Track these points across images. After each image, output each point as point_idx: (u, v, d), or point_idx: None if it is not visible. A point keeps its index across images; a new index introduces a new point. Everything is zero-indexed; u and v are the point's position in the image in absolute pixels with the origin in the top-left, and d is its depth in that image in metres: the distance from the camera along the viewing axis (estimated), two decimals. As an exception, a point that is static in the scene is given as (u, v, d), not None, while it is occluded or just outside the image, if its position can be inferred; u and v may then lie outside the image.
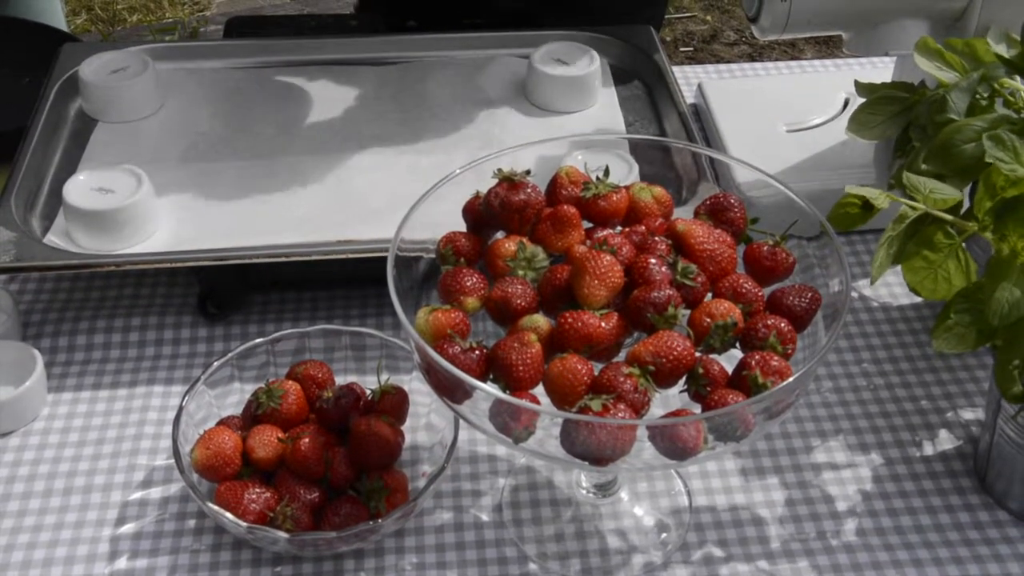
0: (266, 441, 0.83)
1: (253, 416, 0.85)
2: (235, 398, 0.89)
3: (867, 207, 0.82)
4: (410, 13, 1.34)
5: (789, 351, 0.74)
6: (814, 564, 0.83)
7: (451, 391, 0.72)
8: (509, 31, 1.23)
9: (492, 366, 0.72)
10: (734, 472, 0.89)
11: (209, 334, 1.00)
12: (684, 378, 0.73)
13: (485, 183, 0.81)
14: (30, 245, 0.95)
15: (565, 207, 0.79)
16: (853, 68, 1.33)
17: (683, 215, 0.82)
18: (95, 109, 1.13)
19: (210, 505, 0.79)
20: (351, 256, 0.96)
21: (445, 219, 0.81)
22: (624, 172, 0.99)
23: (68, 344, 0.98)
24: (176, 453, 0.81)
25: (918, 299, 1.03)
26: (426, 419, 0.89)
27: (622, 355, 0.74)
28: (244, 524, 0.78)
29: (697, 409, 0.72)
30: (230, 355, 0.88)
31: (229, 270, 0.97)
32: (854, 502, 0.87)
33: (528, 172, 0.80)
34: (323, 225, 1.00)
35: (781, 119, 1.18)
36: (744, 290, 0.76)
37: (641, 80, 1.20)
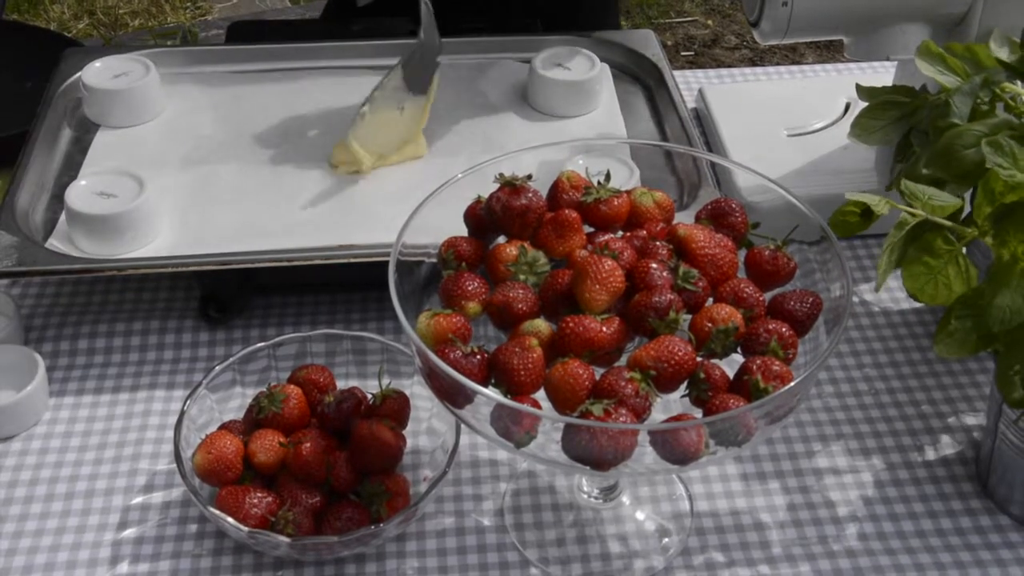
0: (267, 445, 0.83)
1: (254, 420, 0.85)
2: (236, 402, 0.89)
3: (867, 214, 0.82)
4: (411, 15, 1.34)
5: (790, 356, 0.74)
6: (816, 569, 0.83)
7: (452, 396, 0.72)
8: (510, 35, 1.24)
9: (493, 371, 0.72)
10: (735, 476, 0.89)
11: (210, 338, 1.00)
12: (685, 383, 0.73)
13: (487, 187, 0.81)
14: (32, 249, 0.95)
15: (566, 211, 0.79)
16: (854, 72, 1.33)
17: (684, 220, 0.82)
18: (97, 114, 1.13)
19: (211, 510, 0.79)
20: (353, 260, 0.96)
21: (447, 223, 0.81)
22: (625, 177, 0.99)
23: (70, 348, 0.98)
24: (178, 457, 0.81)
25: (919, 303, 1.03)
26: (427, 423, 0.89)
27: (623, 360, 0.74)
28: (245, 529, 0.78)
29: (698, 414, 0.72)
30: (232, 359, 0.88)
31: (231, 274, 0.97)
32: (856, 507, 0.87)
33: (529, 176, 0.80)
34: (324, 229, 1.00)
35: (782, 123, 1.18)
36: (745, 295, 0.76)
37: (642, 84, 1.20)
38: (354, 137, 1.05)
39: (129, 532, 0.84)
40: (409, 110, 1.08)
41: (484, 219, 0.81)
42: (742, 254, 0.80)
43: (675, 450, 0.69)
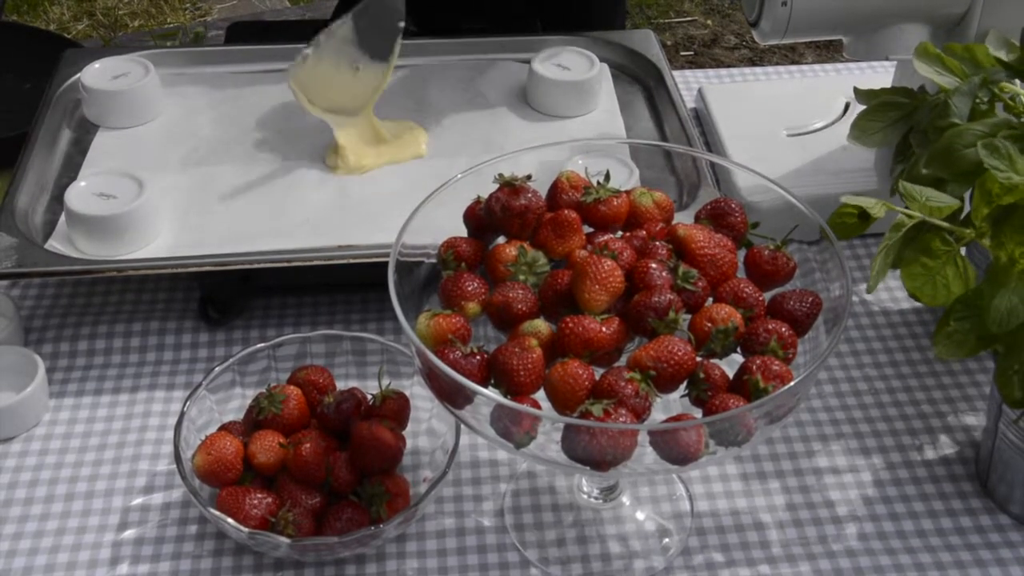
0: (267, 446, 0.83)
1: (254, 421, 0.85)
2: (236, 403, 0.89)
3: (864, 216, 0.82)
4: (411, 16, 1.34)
5: (790, 355, 0.74)
6: (816, 568, 0.83)
7: (452, 396, 0.72)
8: (509, 36, 1.24)
9: (493, 371, 0.72)
10: (736, 476, 0.89)
11: (210, 339, 1.00)
12: (685, 383, 0.73)
13: (486, 188, 0.81)
14: (32, 251, 0.95)
15: (566, 212, 0.79)
16: (853, 72, 1.33)
17: (684, 220, 0.82)
18: (96, 115, 1.13)
19: (212, 511, 0.79)
20: (352, 261, 0.96)
21: (446, 224, 0.81)
22: (625, 177, 0.99)
23: (70, 350, 0.98)
24: (178, 458, 0.81)
25: (919, 303, 1.02)
26: (427, 424, 0.89)
27: (623, 360, 0.74)
28: (246, 530, 0.78)
29: (698, 414, 0.72)
30: (231, 360, 0.88)
31: (230, 275, 0.97)
32: (856, 506, 0.87)
33: (529, 177, 0.80)
34: (324, 230, 1.00)
35: (782, 123, 1.18)
36: (745, 295, 0.76)
37: (642, 84, 1.20)
38: (295, 79, 1.04)
39: (129, 533, 0.84)
40: (365, 74, 1.06)
41: (484, 219, 0.81)
42: (742, 254, 0.80)
43: (675, 450, 0.69)
